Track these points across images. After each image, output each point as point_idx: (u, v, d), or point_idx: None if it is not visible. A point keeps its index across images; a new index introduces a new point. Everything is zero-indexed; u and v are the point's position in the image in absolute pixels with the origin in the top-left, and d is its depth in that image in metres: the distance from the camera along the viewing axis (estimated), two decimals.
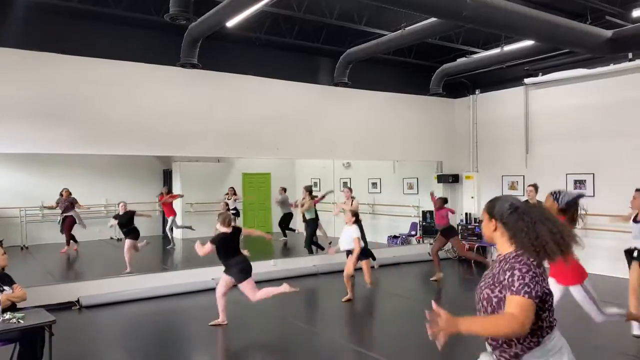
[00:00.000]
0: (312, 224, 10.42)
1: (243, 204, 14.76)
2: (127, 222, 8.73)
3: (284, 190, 12.86)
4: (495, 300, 2.10)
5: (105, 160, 12.99)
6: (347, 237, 7.11)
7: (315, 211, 10.42)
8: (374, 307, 7.19)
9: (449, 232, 8.41)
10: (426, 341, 5.52)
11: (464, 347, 5.38)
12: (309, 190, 10.53)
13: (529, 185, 7.84)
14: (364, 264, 7.06)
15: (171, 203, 11.93)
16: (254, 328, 6.02)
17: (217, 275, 8.16)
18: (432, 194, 9.61)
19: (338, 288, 7.84)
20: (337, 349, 5.29)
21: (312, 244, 10.40)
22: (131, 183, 13.98)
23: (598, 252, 8.89)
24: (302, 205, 10.30)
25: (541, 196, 8.39)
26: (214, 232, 6.07)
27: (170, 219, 11.97)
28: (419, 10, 5.95)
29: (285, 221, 12.71)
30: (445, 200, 8.78)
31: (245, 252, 6.04)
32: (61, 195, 11.09)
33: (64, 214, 10.89)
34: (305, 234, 10.61)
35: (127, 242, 8.66)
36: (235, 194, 12.83)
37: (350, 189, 9.51)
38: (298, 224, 14.04)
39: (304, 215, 10.57)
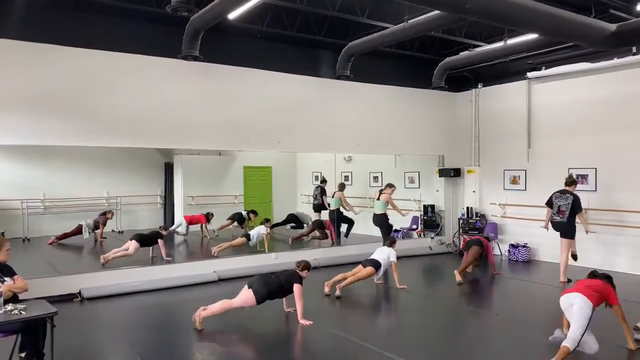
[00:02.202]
0: (334, 215, 10.91)
1: (244, 197, 14.80)
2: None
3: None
4: None
5: (107, 153, 13.00)
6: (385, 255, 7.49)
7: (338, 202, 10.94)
8: (375, 301, 7.20)
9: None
10: (427, 335, 5.54)
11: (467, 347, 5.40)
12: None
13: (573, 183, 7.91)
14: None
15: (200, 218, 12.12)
16: (255, 322, 6.03)
17: (218, 268, 8.25)
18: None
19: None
20: (338, 343, 5.30)
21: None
22: (132, 175, 14.00)
23: (597, 247, 8.89)
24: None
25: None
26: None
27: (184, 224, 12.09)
28: (421, 2, 5.90)
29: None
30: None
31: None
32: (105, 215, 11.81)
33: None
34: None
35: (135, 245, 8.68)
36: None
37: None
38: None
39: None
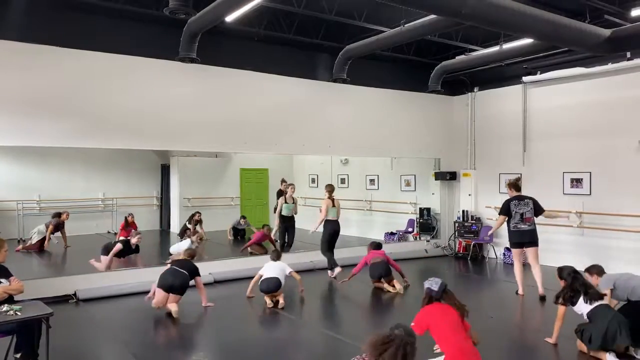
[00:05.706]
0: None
1: (240, 199, 14.80)
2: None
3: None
4: None
5: (103, 154, 12.99)
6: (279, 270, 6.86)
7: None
8: (369, 303, 7.22)
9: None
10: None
11: None
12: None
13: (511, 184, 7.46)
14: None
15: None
16: (248, 323, 6.05)
17: (213, 270, 8.25)
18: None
19: (336, 283, 7.89)
20: (335, 344, 5.32)
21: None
22: (129, 177, 14.00)
23: (594, 251, 8.93)
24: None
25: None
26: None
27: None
28: (418, 7, 5.95)
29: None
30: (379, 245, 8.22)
31: None
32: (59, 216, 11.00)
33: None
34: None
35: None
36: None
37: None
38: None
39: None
